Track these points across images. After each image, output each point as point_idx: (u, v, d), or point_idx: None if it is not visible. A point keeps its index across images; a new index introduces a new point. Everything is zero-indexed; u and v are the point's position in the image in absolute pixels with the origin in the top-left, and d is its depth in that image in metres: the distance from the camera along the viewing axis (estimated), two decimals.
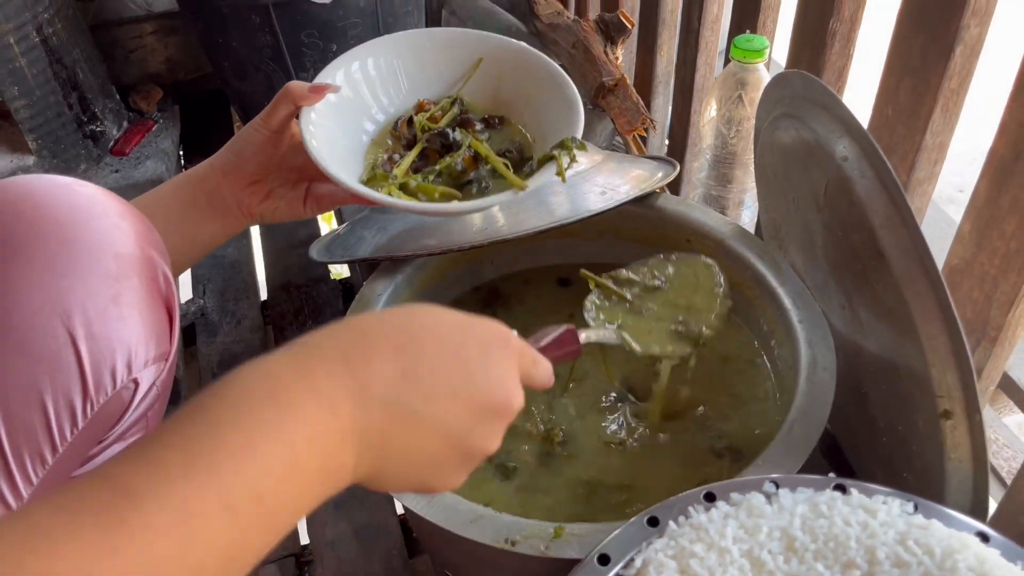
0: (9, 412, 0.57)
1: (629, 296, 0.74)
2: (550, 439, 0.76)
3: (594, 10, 1.35)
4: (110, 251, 0.63)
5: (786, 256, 0.80)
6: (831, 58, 0.77)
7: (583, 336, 0.60)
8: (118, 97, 1.29)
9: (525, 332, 0.91)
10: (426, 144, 0.76)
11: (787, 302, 0.74)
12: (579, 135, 0.71)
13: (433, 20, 1.46)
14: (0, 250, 0.60)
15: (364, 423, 0.41)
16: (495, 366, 0.46)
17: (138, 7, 1.38)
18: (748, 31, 0.88)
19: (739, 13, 0.91)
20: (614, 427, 0.77)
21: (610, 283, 0.75)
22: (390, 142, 0.79)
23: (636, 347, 0.70)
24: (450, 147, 0.76)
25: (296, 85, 0.73)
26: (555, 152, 0.70)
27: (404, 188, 0.73)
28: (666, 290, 0.75)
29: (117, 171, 1.21)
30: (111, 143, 1.24)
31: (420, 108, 0.80)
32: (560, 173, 0.69)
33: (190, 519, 0.33)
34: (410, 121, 0.78)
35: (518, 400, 0.47)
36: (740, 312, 0.81)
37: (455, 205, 0.70)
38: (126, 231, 0.65)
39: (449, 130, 0.76)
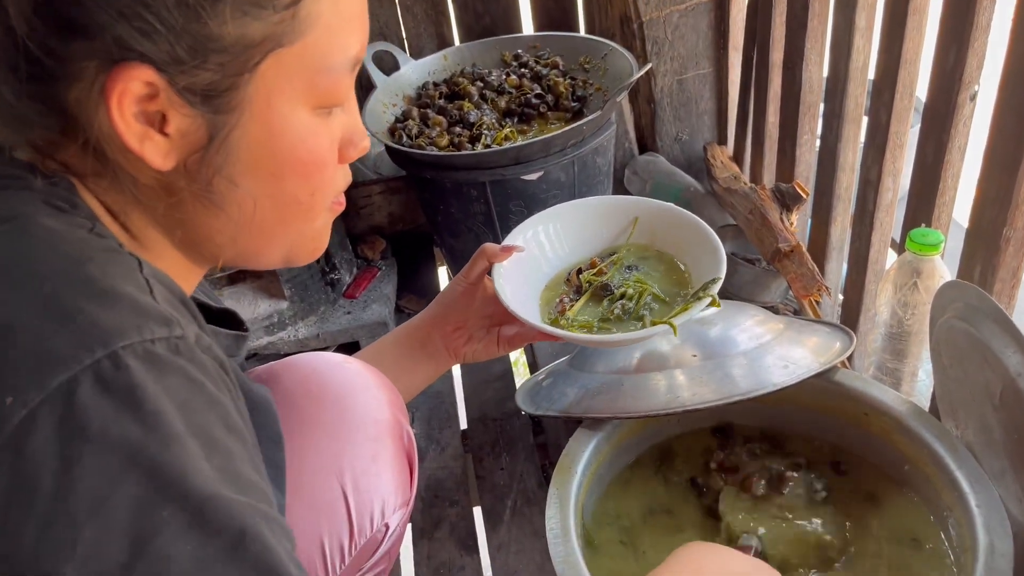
0: (297, 550, 0.73)
1: None
2: None
3: (768, 173, 1.47)
4: (371, 418, 0.80)
5: (962, 436, 0.86)
6: (1005, 260, 0.84)
7: None
8: (350, 248, 1.52)
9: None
10: (593, 292, 0.97)
11: (965, 485, 0.80)
12: (722, 276, 0.88)
13: (617, 179, 1.63)
14: (293, 420, 0.77)
15: None
16: None
17: (369, 171, 1.64)
18: (923, 224, 0.97)
19: (915, 203, 1.00)
20: None
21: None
22: (565, 287, 0.99)
23: None
24: (612, 294, 0.95)
25: (490, 247, 0.93)
26: (700, 293, 0.89)
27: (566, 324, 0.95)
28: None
29: (349, 312, 1.42)
30: (344, 288, 1.46)
31: (592, 264, 1.00)
32: (714, 303, 0.87)
33: None
34: (579, 271, 0.98)
35: None
36: (919, 490, 0.87)
37: (617, 336, 0.89)
38: (382, 400, 0.82)
39: (609, 282, 0.96)
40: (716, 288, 0.87)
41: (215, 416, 0.45)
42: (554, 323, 0.94)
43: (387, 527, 0.79)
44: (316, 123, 0.53)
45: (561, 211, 1.03)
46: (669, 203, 1.01)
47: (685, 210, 0.99)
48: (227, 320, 0.69)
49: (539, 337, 0.95)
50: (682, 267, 0.98)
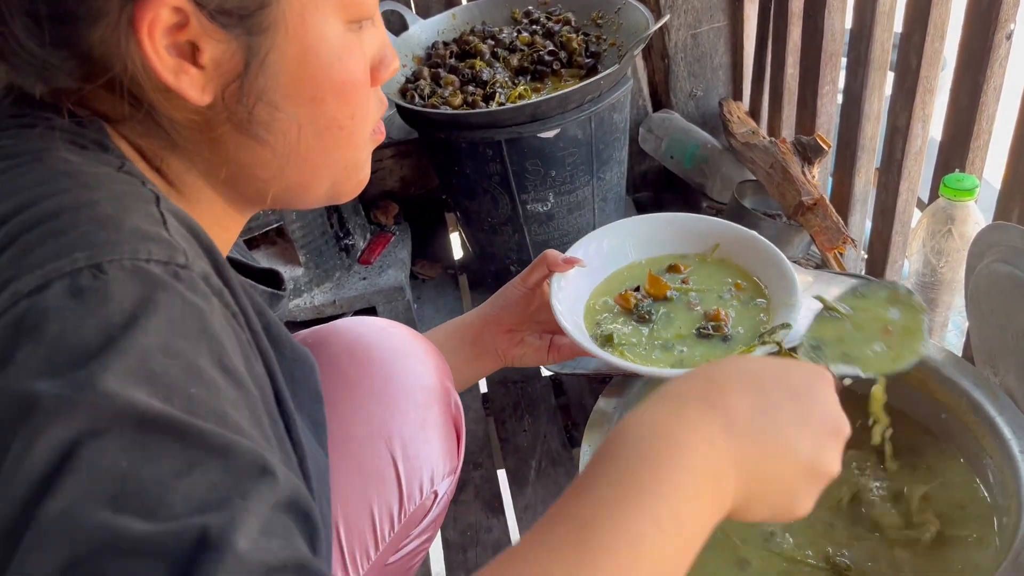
0: (347, 518, 0.72)
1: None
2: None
3: (787, 127, 1.44)
4: (418, 384, 0.78)
5: (1002, 383, 0.84)
6: None
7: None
8: (363, 213, 1.50)
9: None
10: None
11: (1007, 431, 0.79)
12: (794, 324, 0.80)
13: (632, 138, 1.60)
14: (340, 386, 0.76)
15: (737, 453, 0.46)
16: (821, 395, 0.52)
17: None
18: (957, 169, 0.94)
19: (947, 149, 0.98)
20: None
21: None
22: (611, 301, 0.93)
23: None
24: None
25: (552, 254, 0.89)
26: (765, 338, 0.82)
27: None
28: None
29: (364, 278, 1.41)
30: (359, 253, 1.44)
31: (675, 268, 0.95)
32: (782, 352, 0.78)
33: (632, 537, 0.40)
34: (637, 288, 0.94)
35: (845, 421, 0.52)
36: (956, 439, 0.86)
37: (667, 371, 0.84)
38: (429, 366, 0.80)
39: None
40: (785, 334, 0.79)
41: (205, 348, 0.40)
42: (606, 341, 0.89)
43: (436, 494, 0.78)
44: (349, 39, 0.52)
45: (631, 225, 0.98)
46: (752, 232, 0.93)
47: (769, 243, 0.92)
48: (266, 281, 0.67)
49: (590, 354, 0.88)
50: (762, 287, 0.91)
